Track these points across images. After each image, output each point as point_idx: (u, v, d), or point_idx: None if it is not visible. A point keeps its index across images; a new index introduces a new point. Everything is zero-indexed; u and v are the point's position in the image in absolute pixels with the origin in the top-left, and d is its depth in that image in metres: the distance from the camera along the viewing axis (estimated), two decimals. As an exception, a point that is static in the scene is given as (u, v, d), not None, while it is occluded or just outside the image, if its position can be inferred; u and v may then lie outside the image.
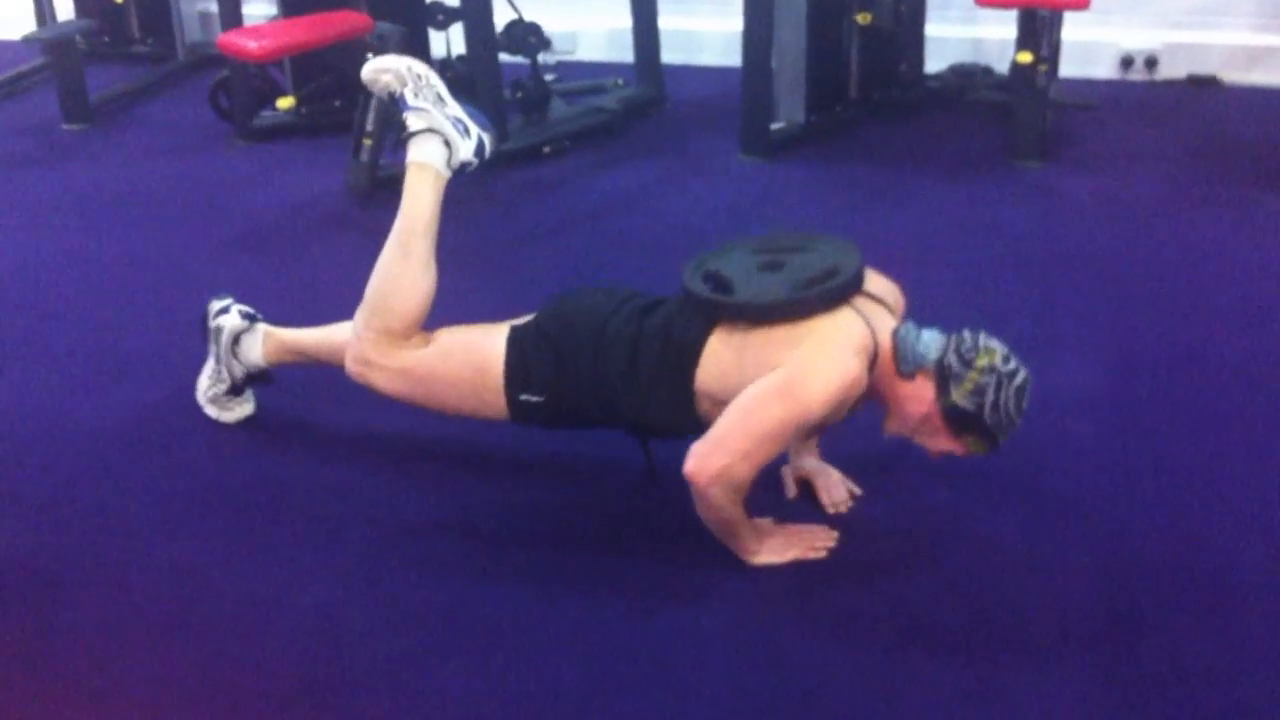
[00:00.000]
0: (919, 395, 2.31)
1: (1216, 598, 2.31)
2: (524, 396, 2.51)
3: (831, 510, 2.58)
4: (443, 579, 2.43)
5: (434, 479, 2.75)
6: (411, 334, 2.60)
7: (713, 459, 2.24)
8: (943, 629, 2.26)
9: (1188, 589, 2.34)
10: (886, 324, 2.37)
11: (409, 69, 2.66)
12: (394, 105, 2.67)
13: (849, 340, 2.29)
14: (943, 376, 2.27)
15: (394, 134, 2.54)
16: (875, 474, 2.67)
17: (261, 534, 2.58)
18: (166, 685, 2.18)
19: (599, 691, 2.13)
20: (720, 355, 2.37)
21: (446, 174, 2.65)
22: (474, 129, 2.67)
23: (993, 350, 2.29)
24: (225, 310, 2.91)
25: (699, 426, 2.37)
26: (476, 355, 2.55)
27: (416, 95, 2.64)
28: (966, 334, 2.32)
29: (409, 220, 2.61)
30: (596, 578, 2.42)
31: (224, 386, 2.92)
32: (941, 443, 2.35)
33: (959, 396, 2.26)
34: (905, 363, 2.31)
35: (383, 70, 2.67)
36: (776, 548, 2.43)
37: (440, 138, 2.63)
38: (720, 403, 2.33)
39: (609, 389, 2.46)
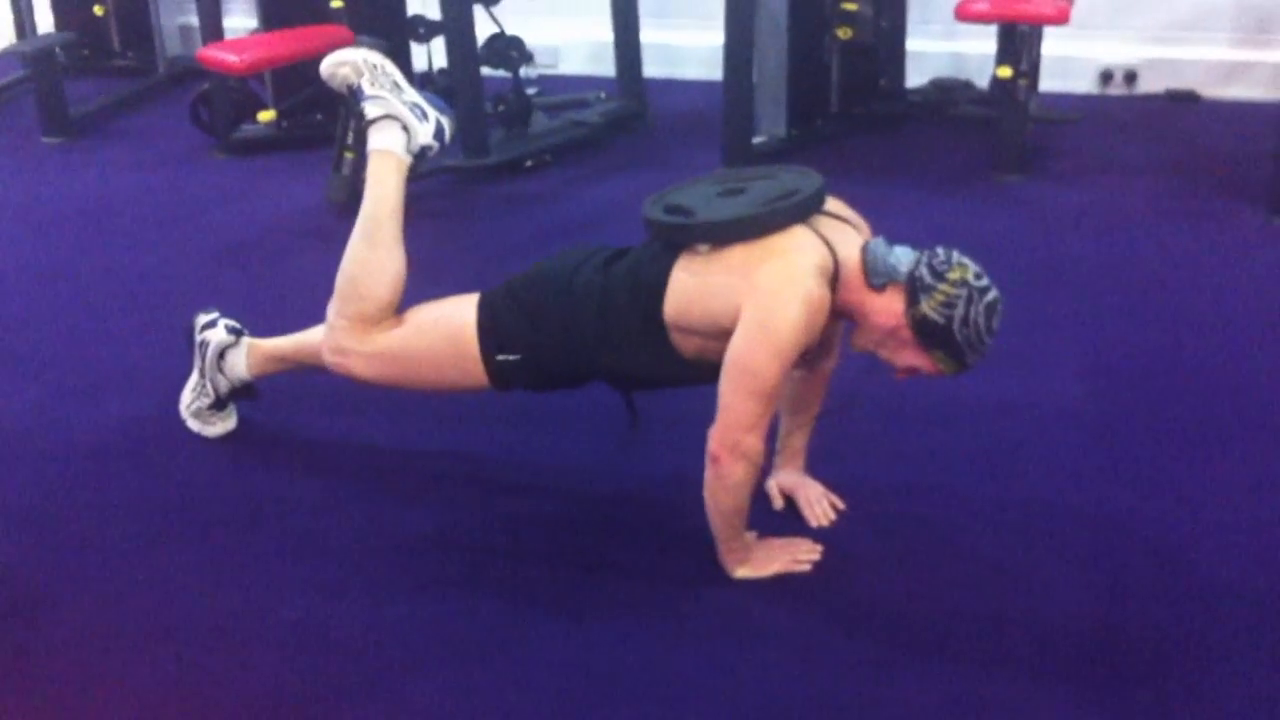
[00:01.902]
0: (889, 308, 2.29)
1: (1198, 606, 2.32)
2: (501, 356, 2.51)
3: (815, 524, 2.58)
4: (425, 591, 2.42)
5: (416, 491, 2.74)
6: (385, 318, 2.62)
7: (730, 435, 2.25)
8: (926, 640, 2.25)
9: (1169, 598, 2.34)
10: (851, 241, 2.36)
11: (364, 60, 2.69)
12: (352, 97, 2.70)
13: (807, 261, 2.27)
14: (913, 288, 2.26)
15: (355, 124, 2.61)
16: (858, 488, 2.67)
17: (243, 547, 2.57)
18: (148, 698, 2.16)
19: (583, 705, 2.12)
20: (684, 284, 2.36)
21: (407, 159, 2.68)
22: (431, 113, 2.70)
23: (965, 265, 2.28)
24: (212, 324, 2.90)
25: (677, 364, 2.40)
26: (449, 325, 2.56)
27: (373, 84, 2.68)
28: (940, 250, 2.32)
29: (373, 206, 2.65)
30: (581, 590, 2.41)
31: (208, 400, 2.91)
32: (908, 357, 2.32)
33: (929, 308, 2.25)
34: (876, 275, 2.29)
35: (340, 63, 2.70)
36: (760, 561, 2.42)
37: (399, 123, 2.66)
38: (690, 332, 2.35)
39: (583, 341, 2.46)
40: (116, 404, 3.13)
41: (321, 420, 2.95)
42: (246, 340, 2.88)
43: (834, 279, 2.30)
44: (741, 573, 2.41)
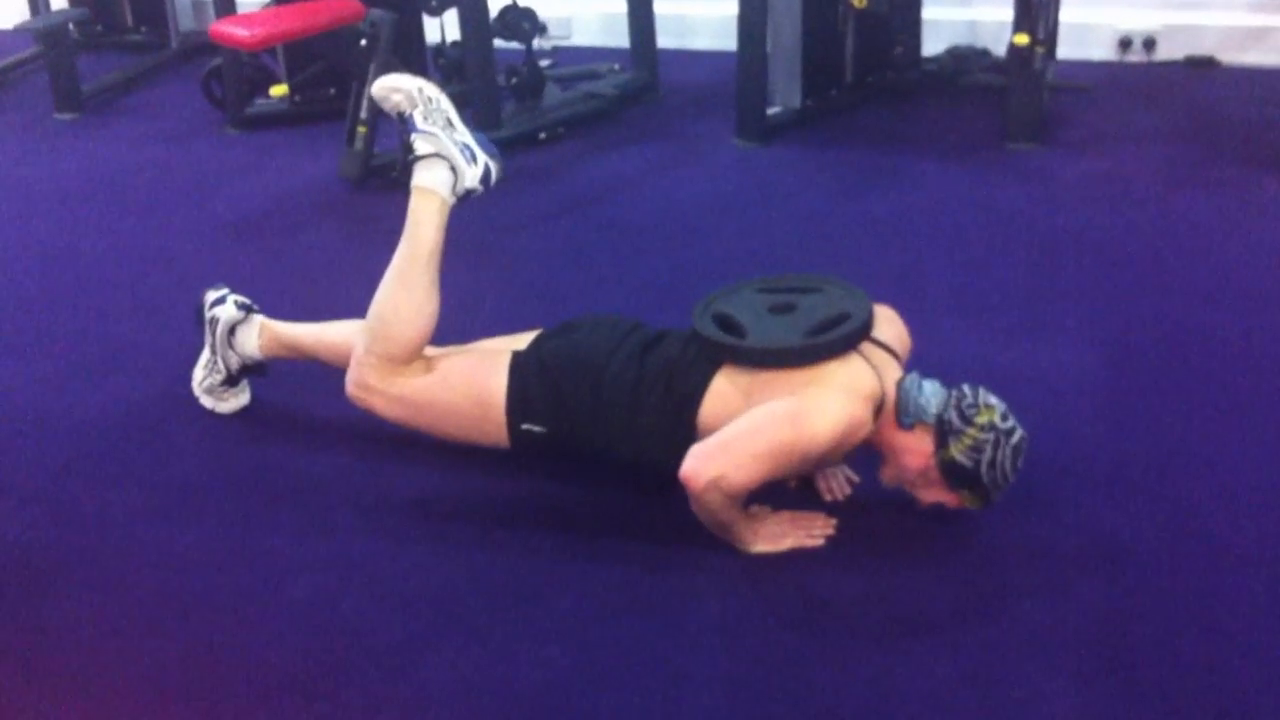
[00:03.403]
0: (918, 448, 2.34)
1: (1214, 584, 2.30)
2: (525, 426, 2.52)
3: (829, 497, 2.57)
4: (435, 568, 2.42)
5: (426, 468, 2.73)
6: (413, 359, 2.59)
7: (711, 465, 2.25)
8: (938, 618, 2.25)
9: (1184, 575, 2.33)
10: (892, 373, 2.41)
11: (420, 90, 2.63)
12: (402, 126, 2.64)
13: (858, 387, 2.32)
14: (942, 431, 2.31)
15: (400, 154, 2.53)
16: (872, 462, 2.65)
17: (253, 524, 2.57)
18: (158, 676, 2.17)
19: (593, 680, 2.12)
20: (725, 395, 2.39)
21: (451, 200, 2.61)
22: (481, 156, 2.63)
23: (992, 408, 2.32)
24: (221, 301, 2.89)
25: None
26: (478, 385, 2.55)
27: (426, 119, 2.61)
28: (967, 389, 2.35)
29: (411, 247, 2.59)
30: (590, 566, 2.41)
31: (219, 377, 2.91)
32: (935, 494, 2.38)
33: (957, 452, 2.29)
34: (906, 414, 2.33)
35: (394, 89, 2.64)
36: (773, 535, 2.42)
37: (447, 164, 2.59)
38: None
39: (609, 430, 2.48)
40: (128, 380, 3.13)
41: (331, 396, 2.94)
42: (258, 318, 2.88)
43: (878, 409, 2.34)
44: (756, 549, 2.40)
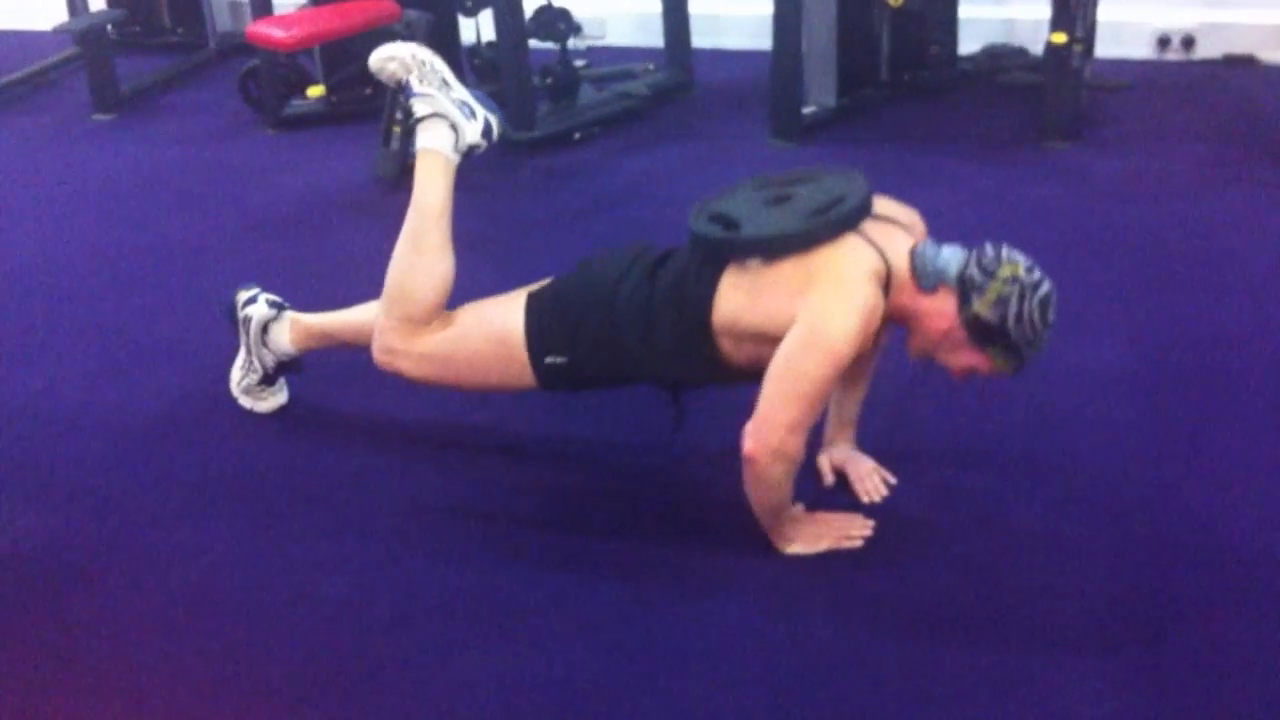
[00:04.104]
0: (941, 310, 2.28)
1: (1249, 581, 2.29)
2: (549, 359, 2.51)
3: (865, 499, 2.56)
4: (465, 568, 2.43)
5: (457, 468, 2.74)
6: (432, 319, 2.61)
7: (770, 436, 2.23)
8: (974, 615, 2.24)
9: (1219, 572, 2.31)
10: (901, 244, 2.34)
11: (413, 55, 2.66)
12: (400, 93, 2.69)
13: (859, 268, 2.25)
14: (964, 289, 2.25)
15: (402, 119, 2.61)
16: (908, 462, 2.65)
17: (284, 523, 2.59)
18: (188, 674, 2.19)
19: (623, 679, 2.13)
20: (733, 297, 2.34)
21: (455, 158, 2.65)
22: (480, 111, 2.67)
23: (1016, 262, 2.25)
24: (253, 300, 2.91)
25: (725, 370, 2.39)
26: (497, 327, 2.56)
27: (421, 81, 2.64)
28: (989, 246, 2.29)
29: (421, 209, 2.62)
30: (620, 565, 2.41)
31: (256, 376, 2.93)
32: (965, 358, 2.31)
33: (981, 307, 2.23)
34: (926, 278, 2.28)
35: (388, 58, 2.67)
36: (810, 537, 2.41)
37: (447, 121, 2.63)
38: (739, 338, 2.34)
39: (629, 352, 2.45)
40: (165, 378, 3.15)
41: (363, 394, 2.96)
42: (289, 314, 2.90)
43: (886, 284, 2.28)
44: (792, 550, 2.40)
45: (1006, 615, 2.24)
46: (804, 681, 2.10)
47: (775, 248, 2.32)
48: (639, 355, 2.45)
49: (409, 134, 4.36)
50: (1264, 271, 3.51)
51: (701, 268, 2.40)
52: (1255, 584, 2.28)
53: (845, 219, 2.31)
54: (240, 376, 2.95)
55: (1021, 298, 2.22)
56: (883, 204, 2.41)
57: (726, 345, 2.37)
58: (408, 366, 2.63)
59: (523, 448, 2.80)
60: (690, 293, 2.39)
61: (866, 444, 2.67)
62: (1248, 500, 2.52)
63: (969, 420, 2.82)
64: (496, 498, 2.64)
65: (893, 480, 2.60)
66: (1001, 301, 2.22)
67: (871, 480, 2.59)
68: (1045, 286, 2.25)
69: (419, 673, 2.16)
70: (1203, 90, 5.16)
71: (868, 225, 2.34)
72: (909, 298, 2.30)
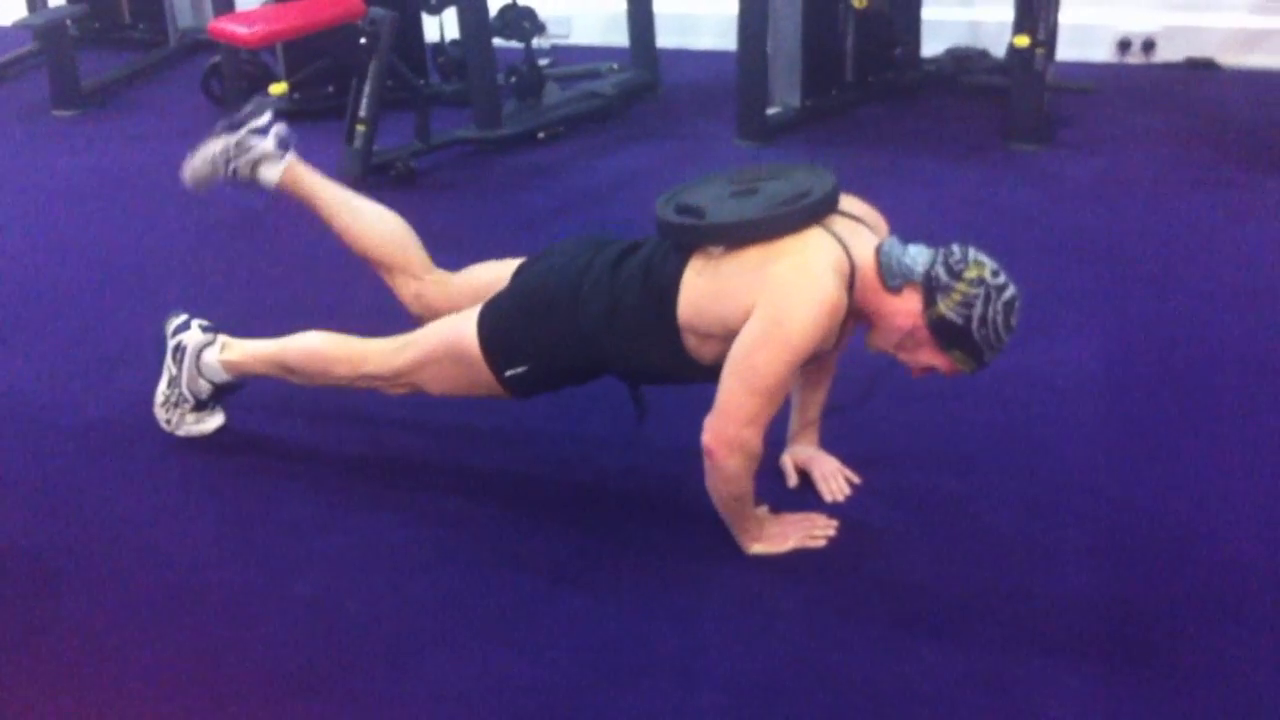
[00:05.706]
0: (906, 309, 2.26)
1: (1219, 582, 2.30)
2: (509, 372, 2.50)
3: (830, 499, 2.56)
4: (440, 567, 2.41)
5: (431, 466, 2.73)
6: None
7: (727, 429, 2.23)
8: (944, 616, 2.24)
9: (1190, 573, 2.33)
10: (866, 241, 2.32)
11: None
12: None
13: (822, 262, 2.23)
14: (930, 288, 2.23)
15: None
16: (873, 463, 2.65)
17: (256, 523, 2.57)
18: (162, 675, 2.16)
19: (599, 680, 2.12)
20: (697, 286, 2.33)
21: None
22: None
23: (982, 264, 2.24)
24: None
25: (689, 366, 2.38)
26: (454, 348, 2.54)
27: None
28: (955, 247, 2.27)
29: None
30: (596, 566, 2.41)
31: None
32: (926, 357, 2.30)
33: (946, 308, 2.22)
34: (892, 276, 2.26)
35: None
36: (774, 537, 2.41)
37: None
38: (703, 335, 2.32)
39: (594, 342, 2.44)
40: (127, 378, 3.12)
41: (334, 393, 2.94)
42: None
43: (850, 281, 2.26)
44: (757, 549, 2.40)
45: (977, 617, 2.24)
46: (778, 680, 2.10)
47: (738, 235, 2.30)
48: (604, 343, 2.43)
49: (370, 136, 4.37)
50: (1232, 273, 3.54)
51: (666, 258, 2.39)
52: (1225, 585, 2.29)
53: (809, 210, 2.30)
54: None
55: (987, 300, 2.21)
56: (848, 202, 2.41)
57: (692, 342, 2.36)
58: (394, 392, 2.66)
59: (495, 449, 2.79)
60: (655, 280, 2.37)
61: (834, 446, 2.67)
62: (1217, 502, 2.53)
63: (940, 422, 2.83)
64: (469, 498, 2.63)
65: (857, 480, 2.61)
66: (967, 303, 2.22)
67: (836, 480, 2.59)
68: (1010, 290, 2.24)
69: (393, 672, 2.15)
70: (1165, 93, 5.21)
71: (834, 221, 2.34)
72: (873, 295, 2.29)
